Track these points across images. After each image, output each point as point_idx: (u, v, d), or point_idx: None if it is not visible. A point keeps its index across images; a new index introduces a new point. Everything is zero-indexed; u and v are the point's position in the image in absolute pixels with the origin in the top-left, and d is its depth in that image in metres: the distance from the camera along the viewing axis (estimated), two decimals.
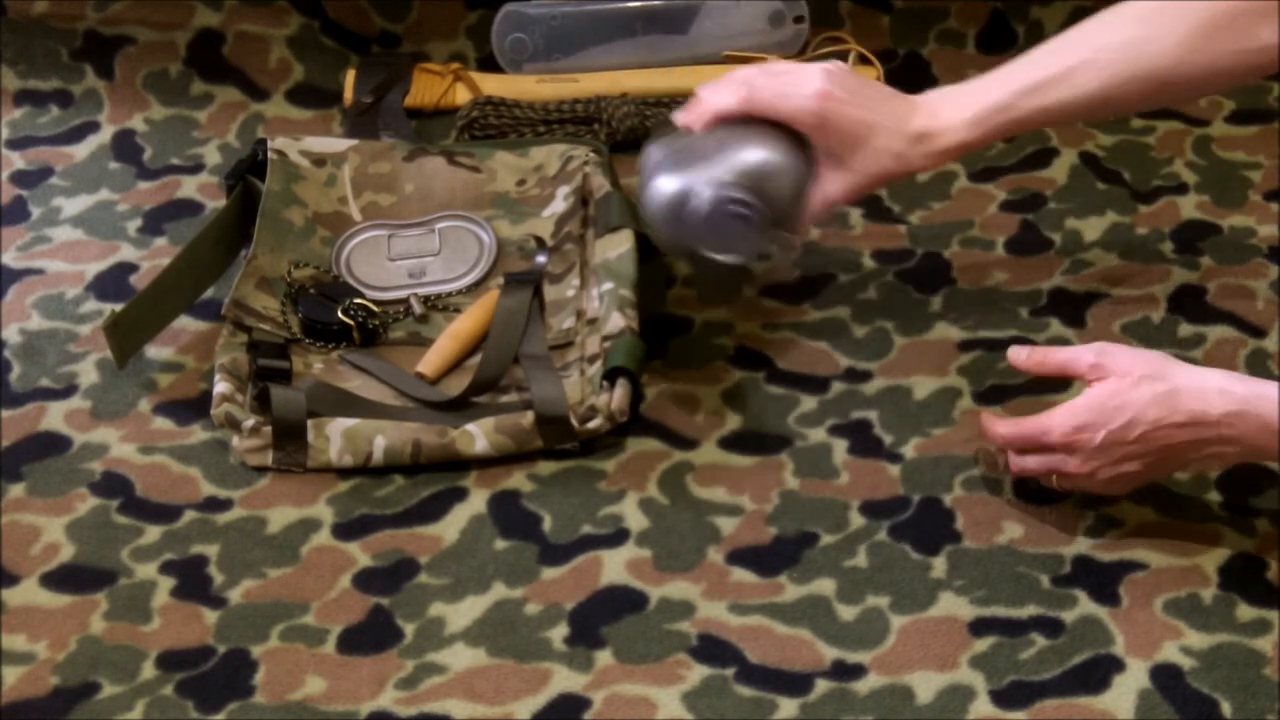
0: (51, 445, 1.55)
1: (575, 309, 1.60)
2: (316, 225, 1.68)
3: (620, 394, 1.51)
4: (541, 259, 1.64)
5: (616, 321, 1.55)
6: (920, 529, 1.44)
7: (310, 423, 1.50)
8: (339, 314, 1.59)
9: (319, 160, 1.72)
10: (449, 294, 1.64)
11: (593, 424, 1.49)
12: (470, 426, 1.49)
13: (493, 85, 1.92)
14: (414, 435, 1.49)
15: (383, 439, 1.49)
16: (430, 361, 1.57)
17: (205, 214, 1.81)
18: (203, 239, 1.65)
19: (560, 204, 1.68)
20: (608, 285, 1.58)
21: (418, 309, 1.62)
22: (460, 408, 1.52)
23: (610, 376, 1.52)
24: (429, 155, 1.73)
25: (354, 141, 1.74)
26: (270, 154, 1.70)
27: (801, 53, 1.94)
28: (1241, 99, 1.88)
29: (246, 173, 1.70)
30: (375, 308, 1.61)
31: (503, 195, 1.71)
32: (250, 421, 1.50)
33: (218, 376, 1.53)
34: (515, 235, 1.68)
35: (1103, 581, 1.39)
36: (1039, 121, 1.54)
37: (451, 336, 1.58)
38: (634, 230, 1.62)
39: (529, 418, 1.49)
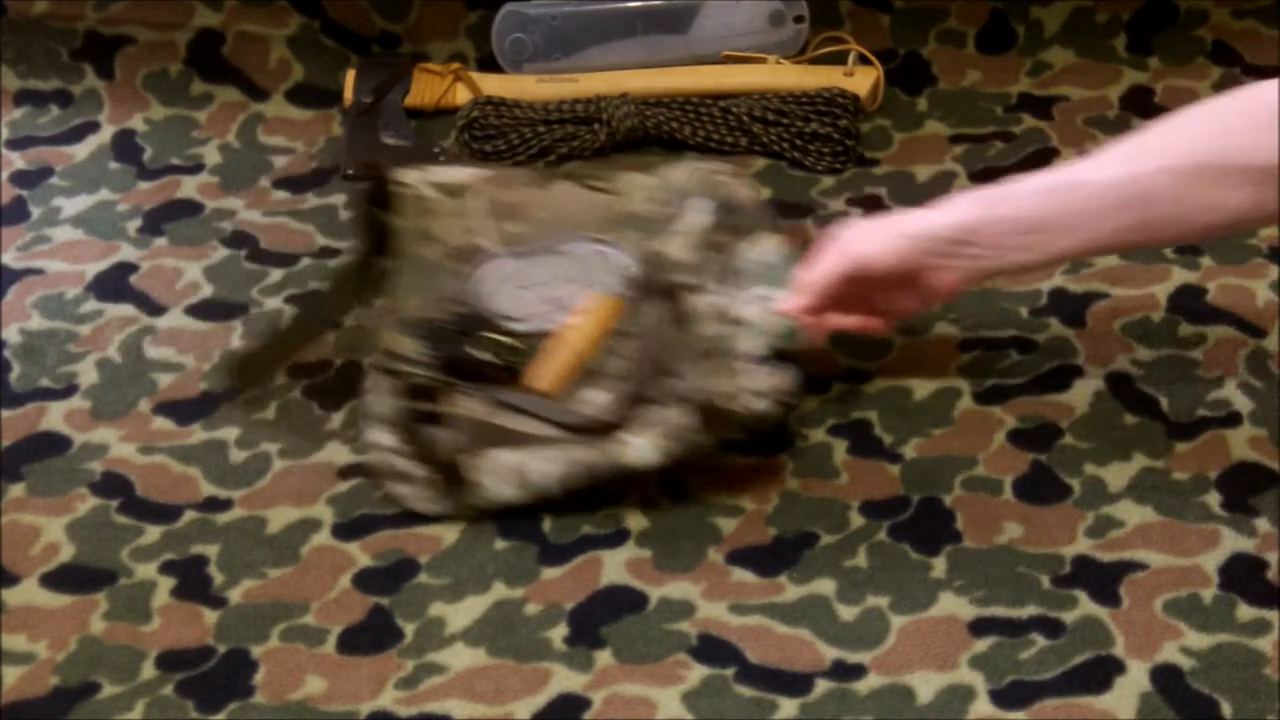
0: (51, 445, 1.55)
1: (721, 315, 1.53)
2: (450, 259, 1.61)
3: (782, 377, 1.46)
4: (676, 273, 1.56)
5: (775, 320, 1.50)
6: (920, 529, 1.44)
7: (472, 461, 1.45)
8: (480, 351, 1.52)
9: (448, 191, 1.65)
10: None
11: (756, 408, 1.44)
12: (634, 439, 1.44)
13: (493, 85, 1.92)
14: (581, 458, 1.44)
15: (553, 467, 1.44)
16: (546, 376, 1.49)
17: (205, 213, 1.81)
18: (333, 281, 1.60)
19: (696, 217, 1.61)
20: (761, 289, 1.53)
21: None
22: (616, 426, 1.45)
23: (769, 361, 1.47)
24: (559, 180, 1.67)
25: (482, 170, 1.68)
26: (399, 187, 1.64)
27: (801, 52, 1.95)
28: None
29: (370, 204, 1.64)
30: (516, 342, 1.53)
31: (635, 215, 1.64)
32: (411, 468, 1.46)
33: (370, 424, 1.48)
34: (650, 251, 1.61)
35: (1103, 581, 1.39)
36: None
37: (564, 347, 1.51)
38: (779, 234, 1.58)
39: (692, 416, 1.44)
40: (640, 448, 1.44)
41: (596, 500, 1.46)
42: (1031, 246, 1.40)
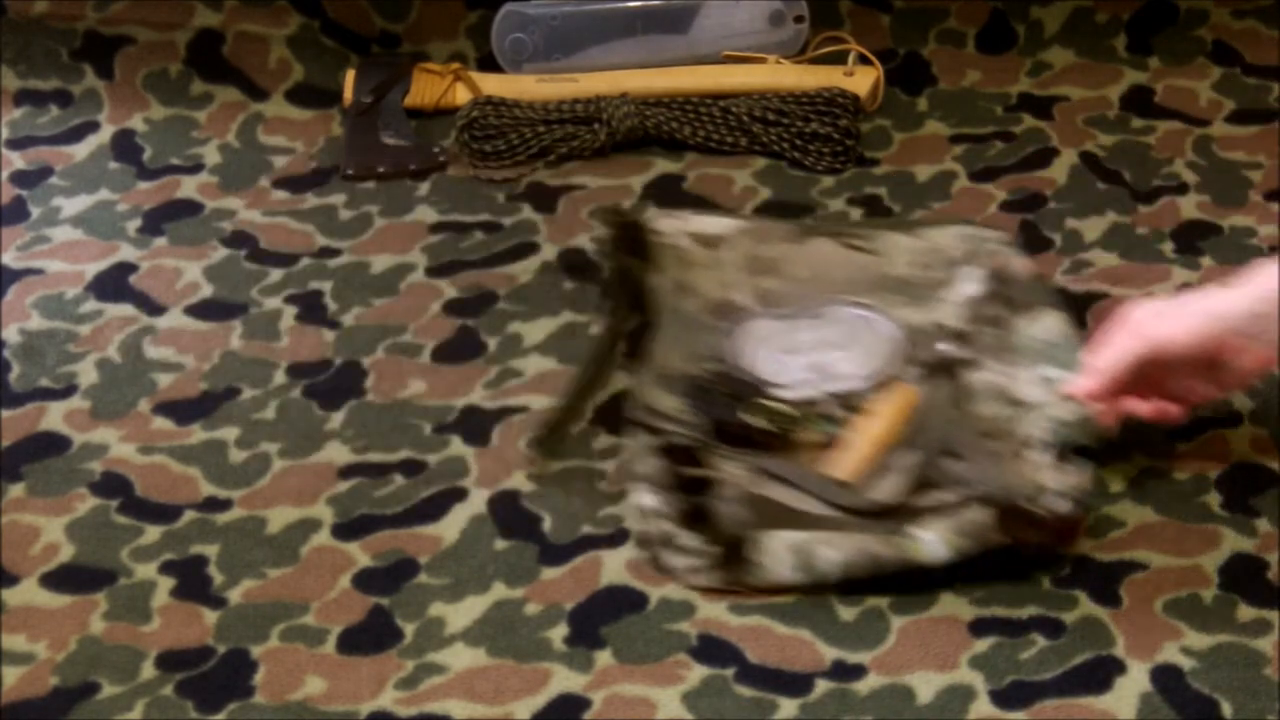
0: (51, 445, 1.55)
1: (1001, 394, 1.47)
2: (708, 314, 1.57)
3: (1082, 475, 1.39)
4: (949, 345, 1.52)
5: (1069, 407, 1.43)
6: None
7: (754, 539, 1.38)
8: (752, 416, 1.47)
9: (706, 242, 1.61)
10: (860, 392, 1.50)
11: (1057, 508, 1.37)
12: (924, 533, 1.37)
13: (493, 85, 1.92)
14: (866, 547, 1.37)
15: (834, 552, 1.37)
16: (846, 465, 1.44)
17: (205, 213, 1.81)
18: (598, 339, 1.56)
19: (967, 286, 1.56)
20: (1046, 370, 1.47)
21: (830, 410, 1.48)
22: (899, 513, 1.40)
23: (1067, 455, 1.41)
24: (818, 237, 1.62)
25: (739, 222, 1.64)
26: (657, 236, 1.60)
27: (801, 52, 1.95)
28: (1241, 99, 1.88)
29: (623, 252, 1.61)
30: (788, 409, 1.47)
31: (900, 279, 1.59)
32: (688, 539, 1.39)
33: (637, 487, 1.43)
34: (918, 320, 1.56)
35: (1103, 581, 1.39)
36: None
37: (865, 437, 1.45)
38: (1061, 310, 1.52)
39: (987, 514, 1.36)
40: (932, 544, 1.36)
41: (880, 585, 1.39)
42: None
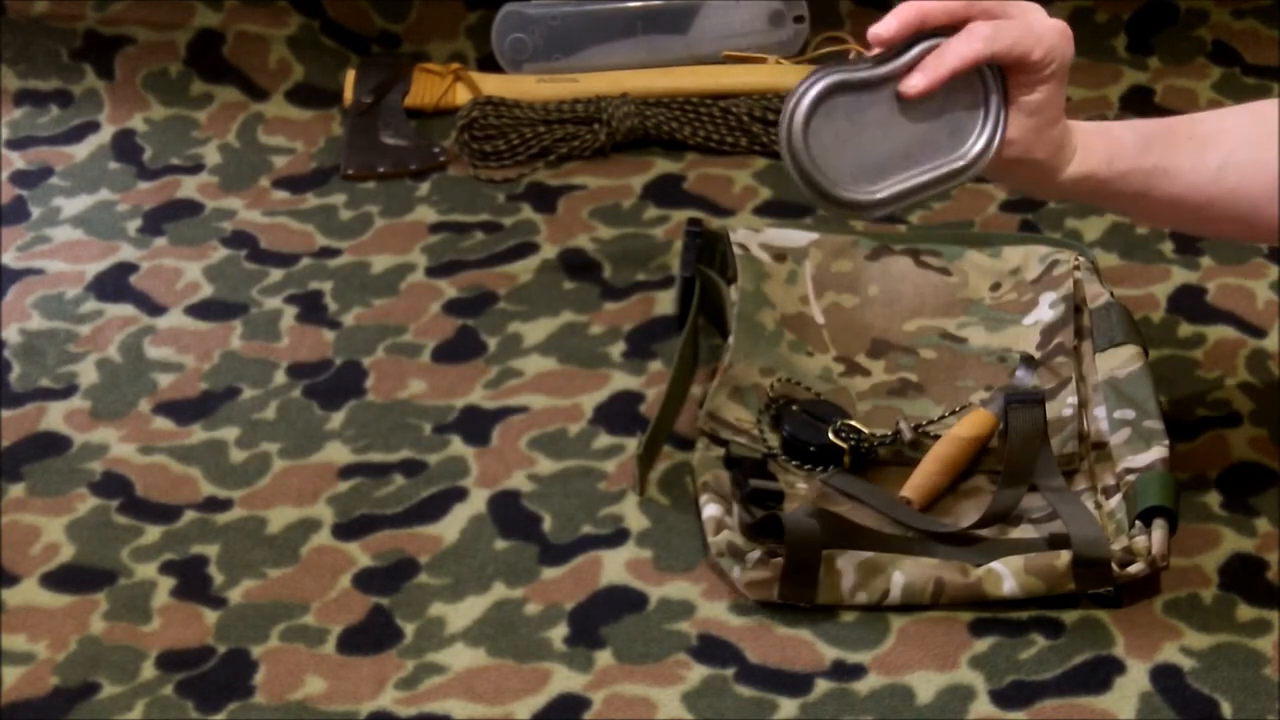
0: (51, 445, 1.55)
1: (1075, 431, 1.46)
2: (784, 329, 1.55)
3: (1160, 536, 1.36)
4: (1024, 374, 1.50)
5: (1147, 455, 1.42)
6: None
7: (820, 554, 1.36)
8: (830, 436, 1.46)
9: (779, 255, 1.59)
10: (942, 418, 1.48)
11: (1133, 569, 1.34)
12: (996, 566, 1.35)
13: (493, 85, 1.92)
14: (935, 573, 1.35)
15: (901, 575, 1.35)
16: (918, 487, 1.43)
17: (205, 213, 1.81)
18: (682, 349, 1.54)
19: (1046, 312, 1.54)
20: (1127, 413, 1.45)
21: (908, 435, 1.46)
22: (970, 541, 1.38)
23: (1145, 516, 1.37)
24: (894, 255, 1.60)
25: (814, 235, 1.62)
26: (735, 248, 1.59)
27: (801, 52, 1.95)
28: (1241, 99, 1.87)
29: (699, 262, 1.60)
30: (865, 430, 1.46)
31: (976, 302, 1.57)
32: (756, 553, 1.37)
33: (705, 497, 1.42)
34: (994, 345, 1.54)
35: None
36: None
37: (938, 461, 1.44)
38: (1140, 345, 1.50)
39: (1063, 559, 1.34)
40: (1004, 577, 1.35)
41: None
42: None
